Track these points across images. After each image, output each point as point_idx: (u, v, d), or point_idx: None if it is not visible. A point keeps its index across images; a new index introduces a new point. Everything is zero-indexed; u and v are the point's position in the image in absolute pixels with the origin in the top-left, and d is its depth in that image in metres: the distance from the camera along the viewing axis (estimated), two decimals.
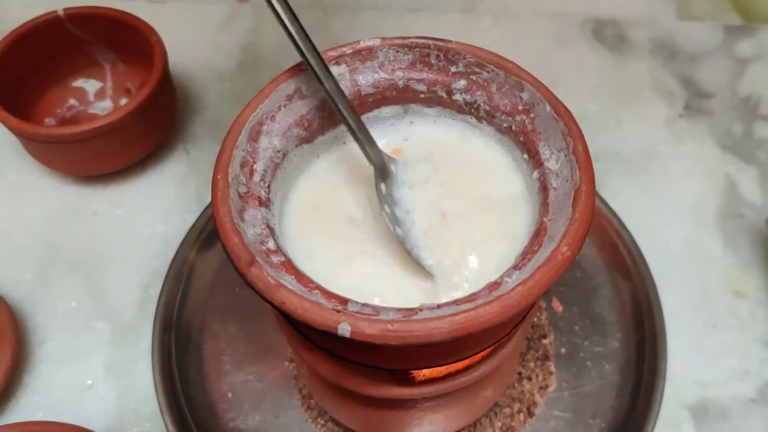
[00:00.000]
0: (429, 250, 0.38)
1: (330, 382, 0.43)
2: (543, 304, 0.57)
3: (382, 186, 0.39)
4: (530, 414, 0.53)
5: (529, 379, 0.54)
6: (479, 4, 0.80)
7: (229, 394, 0.54)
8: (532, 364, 0.55)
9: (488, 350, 0.39)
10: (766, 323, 0.57)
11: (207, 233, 0.60)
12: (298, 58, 0.40)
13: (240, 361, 0.55)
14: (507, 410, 0.53)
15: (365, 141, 0.38)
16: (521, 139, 0.39)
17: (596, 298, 0.58)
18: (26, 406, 0.53)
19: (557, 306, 0.57)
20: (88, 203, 0.64)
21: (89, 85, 0.68)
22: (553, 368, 0.55)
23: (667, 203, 0.64)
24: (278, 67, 0.39)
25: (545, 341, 0.56)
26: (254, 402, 0.54)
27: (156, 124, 0.63)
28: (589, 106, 0.71)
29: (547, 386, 0.54)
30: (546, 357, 0.55)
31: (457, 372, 0.40)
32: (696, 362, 0.56)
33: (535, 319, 0.57)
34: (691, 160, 0.67)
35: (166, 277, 0.57)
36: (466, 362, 0.40)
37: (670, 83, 0.73)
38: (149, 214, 0.63)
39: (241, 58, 0.74)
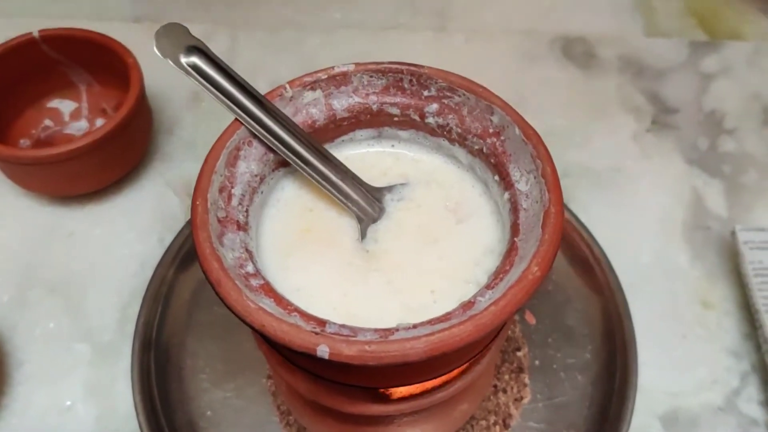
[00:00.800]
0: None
1: (308, 400, 0.44)
2: (517, 318, 0.59)
3: (367, 231, 0.40)
4: (506, 426, 0.54)
5: (504, 391, 0.55)
6: (451, 23, 0.81)
7: (209, 412, 0.54)
8: (507, 377, 0.56)
9: (464, 367, 0.41)
10: (733, 333, 0.59)
11: (184, 253, 0.60)
12: (276, 76, 0.41)
13: (219, 379, 0.56)
14: (483, 423, 0.54)
15: (344, 199, 0.40)
16: (492, 161, 0.40)
17: (568, 310, 0.59)
18: (5, 429, 0.53)
19: (530, 319, 0.59)
20: (65, 224, 0.64)
21: (64, 105, 0.68)
22: (527, 380, 0.56)
23: (636, 216, 0.66)
24: (254, 87, 0.40)
25: (519, 354, 0.57)
26: (233, 419, 0.54)
27: (133, 144, 0.64)
28: (558, 122, 0.73)
29: (521, 398, 0.55)
30: (520, 369, 0.56)
31: (434, 388, 0.41)
32: (666, 372, 0.57)
33: (510, 332, 0.58)
34: (658, 174, 0.69)
35: (145, 296, 0.58)
36: (443, 378, 0.41)
37: (637, 99, 0.75)
38: (127, 234, 0.63)
39: None
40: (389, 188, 0.42)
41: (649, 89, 0.76)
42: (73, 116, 0.68)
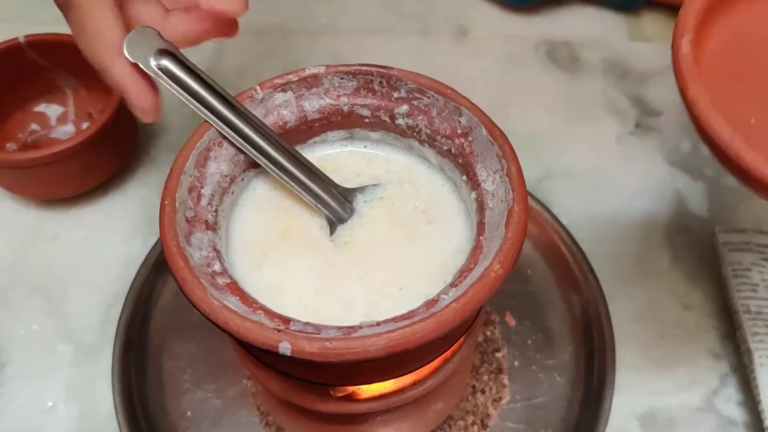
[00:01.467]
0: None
1: (283, 399, 0.44)
2: (497, 319, 0.59)
3: (337, 230, 0.41)
4: (484, 426, 0.54)
5: (483, 392, 0.55)
6: (436, 27, 0.82)
7: (189, 412, 0.55)
8: (485, 377, 0.56)
9: (434, 364, 0.41)
10: (713, 334, 0.59)
11: None
12: (260, 80, 0.42)
13: (199, 379, 0.56)
14: (461, 423, 0.54)
15: (314, 200, 0.41)
16: (460, 161, 0.40)
17: (548, 312, 0.60)
18: None
19: (510, 320, 0.59)
20: (50, 226, 0.64)
21: (51, 110, 0.69)
22: (506, 381, 0.56)
23: (618, 219, 0.66)
24: (239, 91, 0.41)
25: (498, 355, 0.57)
26: (213, 419, 0.54)
27: (117, 148, 0.64)
28: (542, 125, 0.73)
29: (500, 398, 0.55)
30: (500, 370, 0.56)
31: (405, 387, 0.42)
32: (644, 373, 0.57)
33: (489, 332, 0.58)
34: (641, 177, 0.69)
35: (127, 297, 0.58)
36: (413, 376, 0.41)
37: (621, 102, 0.75)
38: (111, 237, 0.64)
39: None
40: (361, 189, 0.42)
41: (633, 92, 0.76)
42: (59, 120, 0.69)
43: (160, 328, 0.59)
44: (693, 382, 0.57)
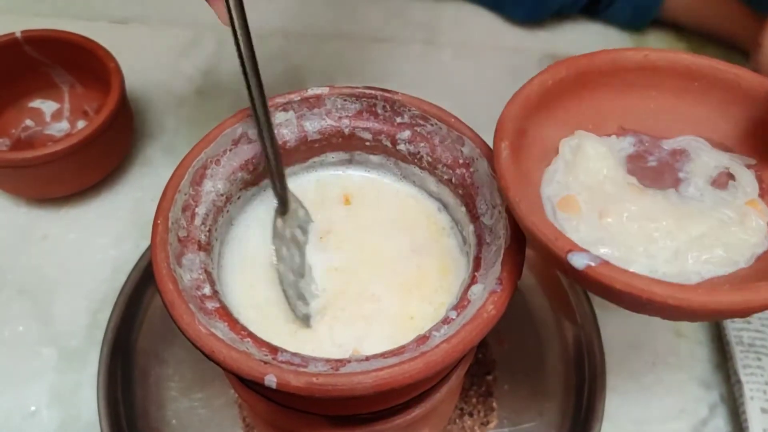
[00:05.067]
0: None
1: (267, 420, 0.44)
2: (490, 340, 0.58)
3: (279, 221, 0.40)
4: None
5: (471, 415, 0.55)
6: (440, 37, 0.81)
7: (173, 421, 0.54)
8: (474, 400, 0.55)
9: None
10: (704, 362, 0.59)
11: None
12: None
13: (186, 388, 0.56)
14: None
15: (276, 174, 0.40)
16: (460, 192, 0.40)
17: (541, 336, 0.59)
18: None
19: (503, 343, 0.58)
20: (40, 226, 0.64)
21: (46, 106, 0.68)
22: (495, 405, 0.56)
23: None
24: (237, 95, 0.40)
25: (489, 377, 0.57)
26: (197, 429, 0.54)
27: (111, 149, 0.63)
28: None
29: (488, 422, 0.55)
30: (489, 393, 0.56)
31: (391, 415, 0.41)
32: (634, 400, 0.57)
33: (481, 355, 0.58)
34: None
35: (116, 302, 0.57)
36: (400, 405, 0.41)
37: None
38: (101, 239, 0.63)
39: (201, 83, 0.74)
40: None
41: None
42: (54, 117, 0.68)
43: (149, 333, 0.58)
44: (682, 412, 0.57)
